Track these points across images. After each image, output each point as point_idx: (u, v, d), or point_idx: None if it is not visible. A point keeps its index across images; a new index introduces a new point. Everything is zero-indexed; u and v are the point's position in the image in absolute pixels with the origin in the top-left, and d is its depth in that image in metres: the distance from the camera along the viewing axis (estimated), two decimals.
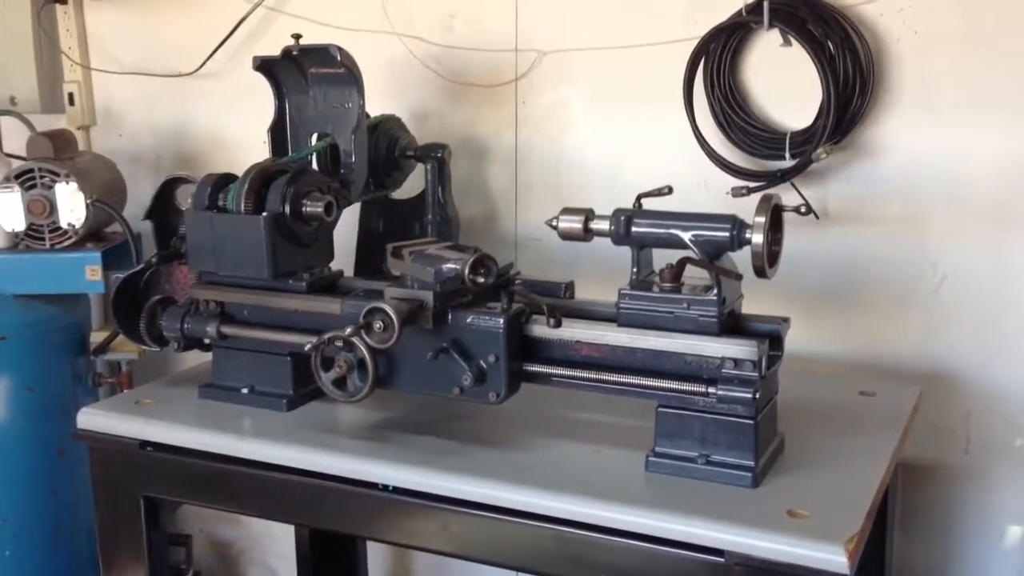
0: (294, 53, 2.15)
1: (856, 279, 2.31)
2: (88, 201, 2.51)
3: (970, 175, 2.19)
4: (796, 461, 1.76)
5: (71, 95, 3.02)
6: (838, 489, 1.66)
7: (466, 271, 1.72)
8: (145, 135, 3.04)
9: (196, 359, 2.30)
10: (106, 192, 2.63)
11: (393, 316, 1.68)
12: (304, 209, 1.98)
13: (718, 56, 2.30)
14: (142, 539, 2.02)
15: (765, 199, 1.65)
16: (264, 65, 2.20)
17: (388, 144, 2.38)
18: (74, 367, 2.67)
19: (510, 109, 2.60)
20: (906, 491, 2.24)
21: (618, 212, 1.73)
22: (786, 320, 1.73)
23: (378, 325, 1.70)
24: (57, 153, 2.55)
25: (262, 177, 1.99)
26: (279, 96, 2.24)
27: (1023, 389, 2.23)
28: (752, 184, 2.28)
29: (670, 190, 1.76)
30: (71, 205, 2.50)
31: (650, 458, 1.73)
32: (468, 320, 1.75)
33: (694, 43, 2.31)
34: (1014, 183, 2.15)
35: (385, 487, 1.80)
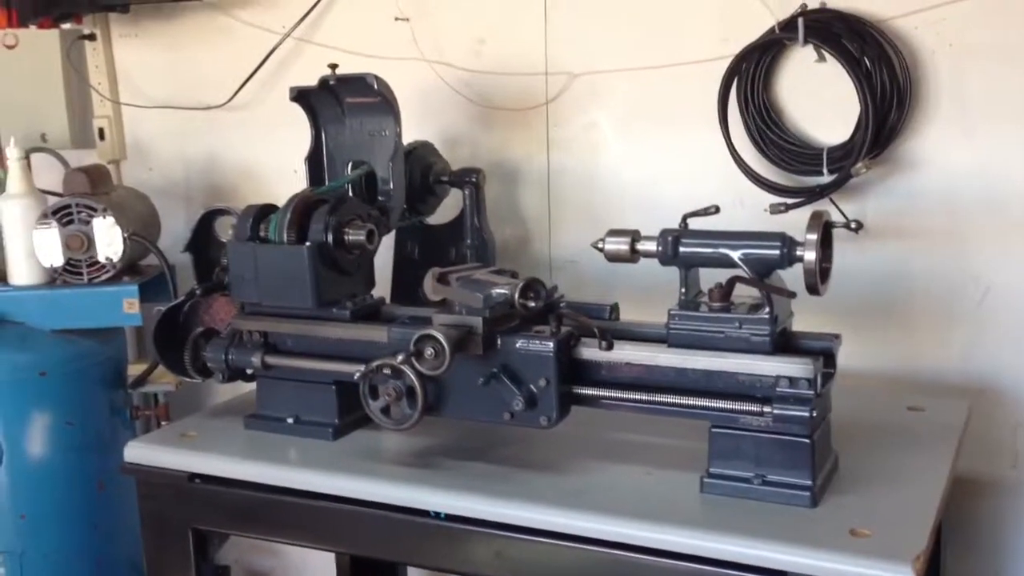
0: (331, 83, 2.16)
1: (898, 293, 2.30)
2: (125, 235, 2.51)
3: (1010, 187, 2.18)
4: (852, 479, 1.74)
5: (101, 130, 3.04)
6: (899, 507, 1.65)
7: (516, 295, 1.71)
8: (175, 168, 3.06)
9: (232, 391, 2.30)
10: (141, 225, 2.64)
11: (444, 343, 1.67)
12: (347, 238, 1.98)
13: (752, 74, 2.30)
14: (191, 572, 2.01)
15: (816, 215, 1.64)
16: (300, 95, 2.21)
17: (422, 170, 2.39)
18: (112, 401, 2.67)
19: (541, 132, 2.60)
20: (954, 506, 2.21)
21: (665, 232, 1.73)
22: (837, 337, 1.72)
23: (429, 352, 1.70)
24: (93, 188, 2.56)
25: (304, 207, 1.99)
26: (315, 126, 2.25)
27: None
28: (790, 201, 2.27)
29: (717, 209, 1.76)
30: (108, 239, 2.51)
31: (705, 479, 1.71)
32: (518, 345, 1.75)
33: (726, 62, 2.31)
34: None
35: (436, 514, 1.79)
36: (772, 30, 2.25)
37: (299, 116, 2.27)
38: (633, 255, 1.76)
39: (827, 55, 2.21)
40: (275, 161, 2.83)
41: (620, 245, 1.76)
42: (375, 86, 2.12)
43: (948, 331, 2.28)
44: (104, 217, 2.51)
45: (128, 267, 2.64)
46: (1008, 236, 2.20)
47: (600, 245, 1.78)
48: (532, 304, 1.72)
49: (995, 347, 2.25)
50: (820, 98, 2.28)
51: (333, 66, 2.17)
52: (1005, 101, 2.15)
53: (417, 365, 1.71)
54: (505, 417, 1.77)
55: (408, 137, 2.38)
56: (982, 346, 2.26)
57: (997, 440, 2.27)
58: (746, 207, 2.35)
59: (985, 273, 2.23)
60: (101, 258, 2.54)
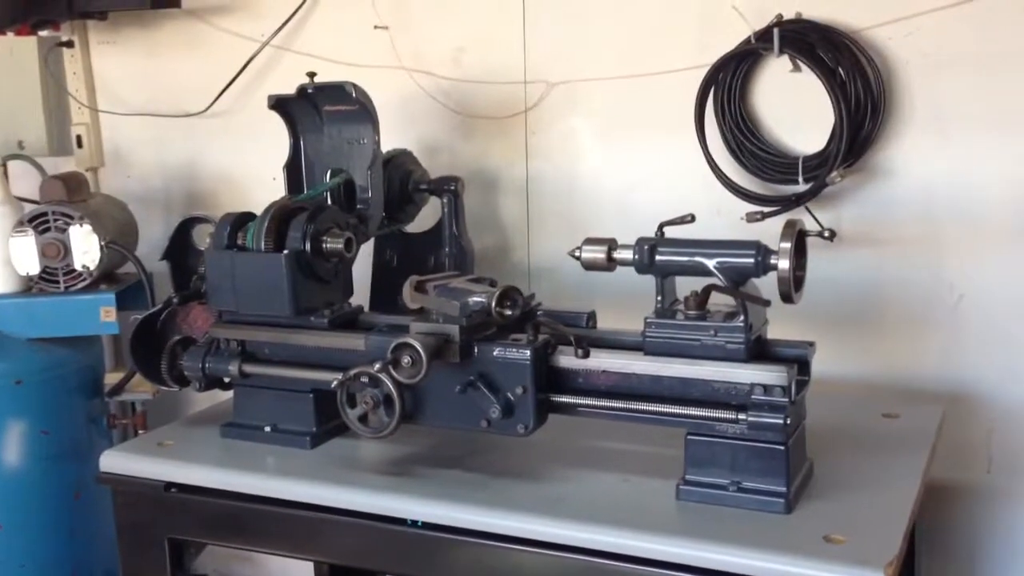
0: (309, 91, 2.16)
1: (873, 301, 2.32)
2: (102, 243, 2.50)
3: (984, 194, 2.20)
4: (827, 486, 1.76)
5: (79, 137, 3.03)
6: (872, 513, 1.66)
7: (493, 304, 1.72)
8: (154, 175, 3.05)
9: (210, 399, 2.29)
10: (119, 233, 2.62)
11: (421, 351, 1.68)
12: (324, 246, 1.98)
13: (728, 83, 2.32)
14: None
15: (790, 224, 1.66)
16: (279, 103, 2.21)
17: (401, 178, 2.39)
18: (89, 409, 2.66)
19: (520, 140, 2.61)
20: (929, 511, 2.23)
21: (641, 241, 1.74)
22: (812, 344, 1.74)
23: (406, 360, 1.70)
24: (70, 196, 2.55)
25: (281, 215, 1.99)
26: (294, 134, 2.25)
27: None
28: (766, 209, 2.29)
29: (692, 218, 1.77)
30: (85, 247, 2.50)
31: (681, 486, 1.72)
32: (495, 353, 1.75)
33: (704, 71, 2.33)
34: None
35: (414, 523, 1.79)
36: (748, 40, 2.27)
37: (278, 124, 2.27)
38: (610, 264, 1.77)
39: (802, 65, 2.23)
40: (254, 169, 2.83)
41: (597, 254, 1.77)
42: (353, 94, 2.13)
43: (923, 338, 2.30)
44: (81, 225, 2.50)
45: (105, 275, 2.63)
46: (982, 244, 2.22)
47: (577, 254, 1.79)
48: (509, 312, 1.73)
49: (969, 353, 2.27)
50: (796, 107, 2.30)
51: (311, 74, 2.17)
52: (978, 110, 2.18)
53: (394, 373, 1.72)
54: (482, 425, 1.77)
55: (387, 145, 2.38)
56: (956, 352, 2.28)
57: (972, 445, 2.29)
58: (723, 215, 2.36)
59: (959, 280, 2.25)
60: (78, 266, 2.52)
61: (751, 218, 2.28)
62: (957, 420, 2.21)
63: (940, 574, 2.35)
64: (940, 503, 2.29)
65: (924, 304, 2.28)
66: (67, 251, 2.51)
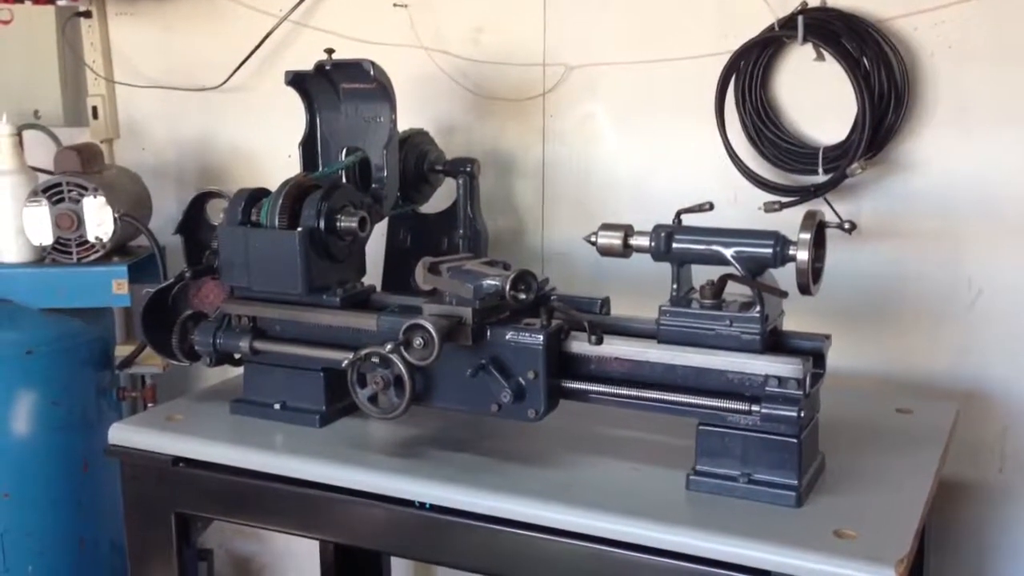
0: (327, 68, 2.14)
1: (890, 295, 2.30)
2: (116, 215, 2.49)
3: (1006, 190, 2.17)
4: (838, 480, 1.74)
5: (95, 108, 3.01)
6: (884, 509, 1.64)
7: (507, 287, 1.71)
8: (168, 149, 3.04)
9: (220, 374, 2.29)
10: (132, 206, 2.62)
11: (434, 333, 1.66)
12: (339, 224, 1.97)
13: (750, 71, 2.29)
14: (172, 556, 2.01)
15: (810, 215, 1.63)
16: (296, 80, 2.19)
17: (417, 158, 2.38)
18: (99, 381, 2.65)
19: (537, 123, 2.59)
20: (939, 509, 2.22)
21: (658, 228, 1.72)
22: (827, 337, 1.72)
23: (418, 342, 1.69)
24: (85, 167, 2.53)
25: (296, 192, 1.98)
26: (310, 111, 2.24)
27: None
28: (784, 199, 2.26)
29: (711, 206, 1.75)
30: (99, 219, 2.49)
31: (691, 477, 1.71)
32: (507, 337, 1.74)
33: (725, 57, 2.30)
34: None
35: (421, 504, 1.78)
36: (771, 27, 2.24)
37: (294, 101, 2.25)
38: (626, 250, 1.75)
39: (826, 54, 2.20)
40: (268, 145, 2.81)
41: (613, 240, 1.75)
42: (371, 72, 2.11)
43: (939, 333, 2.28)
44: (95, 197, 2.49)
45: (118, 247, 2.62)
46: (1002, 239, 2.19)
47: (593, 239, 1.77)
48: (522, 296, 1.72)
49: (985, 350, 2.25)
50: (817, 97, 2.27)
51: (329, 51, 2.15)
52: (1003, 104, 2.14)
53: (406, 354, 1.70)
54: (493, 409, 1.76)
55: (403, 125, 2.36)
56: (973, 349, 2.26)
57: (984, 444, 2.28)
58: (740, 204, 2.34)
59: (978, 276, 2.23)
60: (91, 238, 2.52)
61: (769, 208, 2.26)
62: (971, 418, 2.19)
63: (948, 572, 2.34)
64: (950, 501, 2.27)
65: (942, 300, 2.26)
66: (80, 222, 2.50)
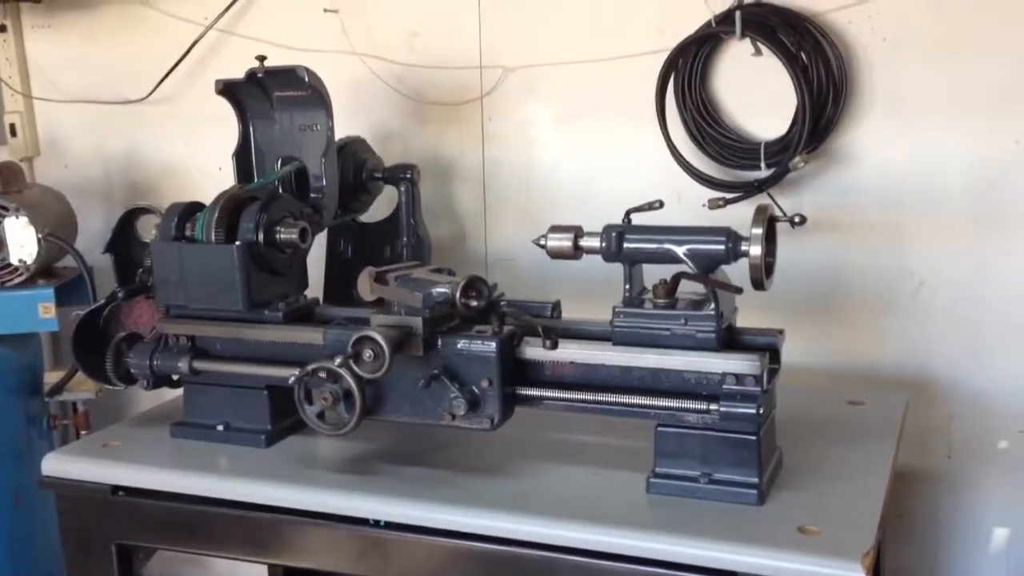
0: (259, 76, 2.08)
1: (834, 287, 2.31)
2: (39, 235, 2.39)
3: (944, 180, 2.20)
4: (797, 476, 1.73)
5: (12, 126, 2.91)
6: (845, 503, 1.64)
7: (458, 294, 1.66)
8: (93, 165, 2.93)
9: (155, 398, 2.20)
10: (57, 225, 2.52)
11: (384, 344, 1.61)
12: (278, 236, 1.91)
13: (689, 68, 2.28)
14: None
15: (760, 210, 1.62)
16: (227, 89, 2.12)
17: (355, 167, 2.32)
18: (28, 410, 2.55)
19: (476, 127, 2.55)
20: (894, 498, 2.22)
21: (609, 228, 1.69)
22: (781, 332, 1.71)
23: (368, 355, 1.63)
24: (5, 187, 2.44)
25: (232, 205, 1.91)
26: (243, 120, 2.17)
27: (1004, 392, 2.24)
28: (728, 195, 2.26)
29: (661, 204, 1.73)
30: (22, 240, 2.39)
31: (651, 479, 1.69)
32: (459, 345, 1.69)
33: (664, 55, 2.29)
34: (987, 186, 2.17)
35: (376, 522, 1.73)
36: (709, 24, 2.24)
37: (224, 111, 2.18)
38: (576, 251, 1.72)
39: (764, 49, 2.20)
40: (199, 158, 2.73)
41: (563, 242, 1.72)
42: (306, 79, 2.05)
43: (884, 325, 2.30)
44: (16, 217, 2.39)
45: (43, 270, 2.52)
46: (942, 229, 2.22)
47: (542, 242, 1.74)
48: (474, 303, 1.67)
49: (929, 340, 2.27)
50: (757, 92, 2.27)
51: (261, 58, 2.09)
52: (939, 95, 2.17)
53: (355, 368, 1.65)
54: (447, 419, 1.71)
55: (339, 132, 2.29)
56: (917, 339, 2.28)
57: (933, 431, 2.29)
58: (684, 202, 2.32)
59: (920, 266, 2.25)
60: (14, 260, 2.42)
61: (713, 205, 2.25)
62: (918, 406, 2.20)
63: (903, 559, 2.36)
64: (904, 489, 2.28)
65: (885, 291, 2.28)
66: (2, 245, 2.40)
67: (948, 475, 2.32)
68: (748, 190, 2.25)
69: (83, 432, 2.62)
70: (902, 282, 2.27)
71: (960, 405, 2.28)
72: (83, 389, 2.62)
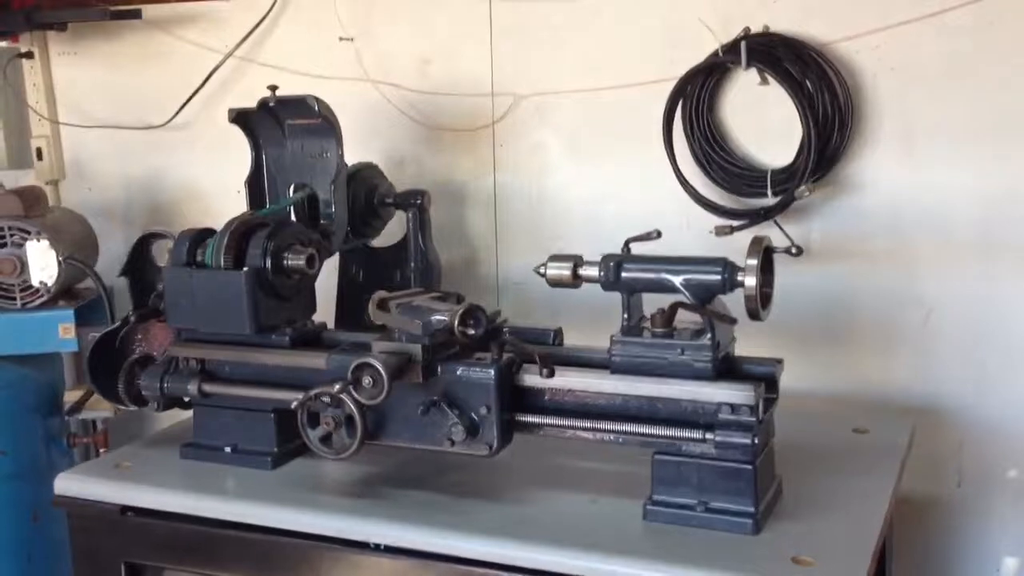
0: (270, 104, 2.12)
1: (843, 315, 2.31)
2: (60, 258, 2.45)
3: (952, 208, 2.20)
4: (796, 505, 1.73)
5: (39, 150, 2.98)
6: (841, 532, 1.63)
7: (455, 323, 1.68)
8: (115, 188, 3.00)
9: (173, 417, 2.24)
10: (78, 248, 2.57)
11: (383, 371, 1.64)
12: (286, 263, 1.94)
13: (696, 96, 2.30)
14: None
15: (756, 241, 1.63)
16: (240, 117, 2.17)
17: (367, 192, 2.35)
18: (48, 428, 2.59)
19: (488, 153, 2.58)
20: (900, 526, 2.22)
21: (607, 258, 1.71)
22: (780, 362, 1.71)
23: (367, 381, 1.66)
24: (27, 210, 2.49)
25: (241, 231, 1.95)
26: (255, 148, 2.21)
27: (1014, 420, 2.22)
28: (735, 223, 2.27)
29: (658, 234, 1.74)
30: (43, 263, 2.45)
31: (648, 507, 1.69)
32: (458, 372, 1.72)
33: (671, 84, 2.31)
34: (996, 214, 2.17)
35: (376, 546, 1.75)
36: (715, 53, 2.25)
37: (242, 136, 2.23)
38: (575, 281, 1.74)
39: (770, 78, 2.21)
40: (218, 182, 2.78)
41: (562, 271, 1.74)
42: (316, 107, 2.09)
43: (892, 352, 2.29)
44: (38, 240, 2.45)
45: (64, 291, 2.58)
46: (951, 257, 2.22)
47: (542, 271, 1.76)
48: (471, 332, 1.69)
49: (939, 367, 2.26)
50: (764, 121, 2.29)
51: (273, 87, 2.13)
52: (945, 123, 2.17)
53: (355, 393, 1.68)
54: (446, 445, 1.73)
55: (353, 158, 2.34)
56: (926, 367, 2.27)
57: (942, 459, 2.28)
58: (692, 229, 2.34)
59: (929, 294, 2.25)
60: (35, 282, 2.47)
61: (720, 231, 2.27)
62: (927, 434, 2.19)
63: None
64: (911, 517, 2.27)
65: (893, 318, 2.27)
66: (24, 267, 2.45)
67: (958, 504, 2.31)
68: (755, 217, 2.26)
69: (102, 450, 2.66)
70: (911, 310, 2.26)
71: (970, 433, 2.26)
72: (102, 408, 2.66)
